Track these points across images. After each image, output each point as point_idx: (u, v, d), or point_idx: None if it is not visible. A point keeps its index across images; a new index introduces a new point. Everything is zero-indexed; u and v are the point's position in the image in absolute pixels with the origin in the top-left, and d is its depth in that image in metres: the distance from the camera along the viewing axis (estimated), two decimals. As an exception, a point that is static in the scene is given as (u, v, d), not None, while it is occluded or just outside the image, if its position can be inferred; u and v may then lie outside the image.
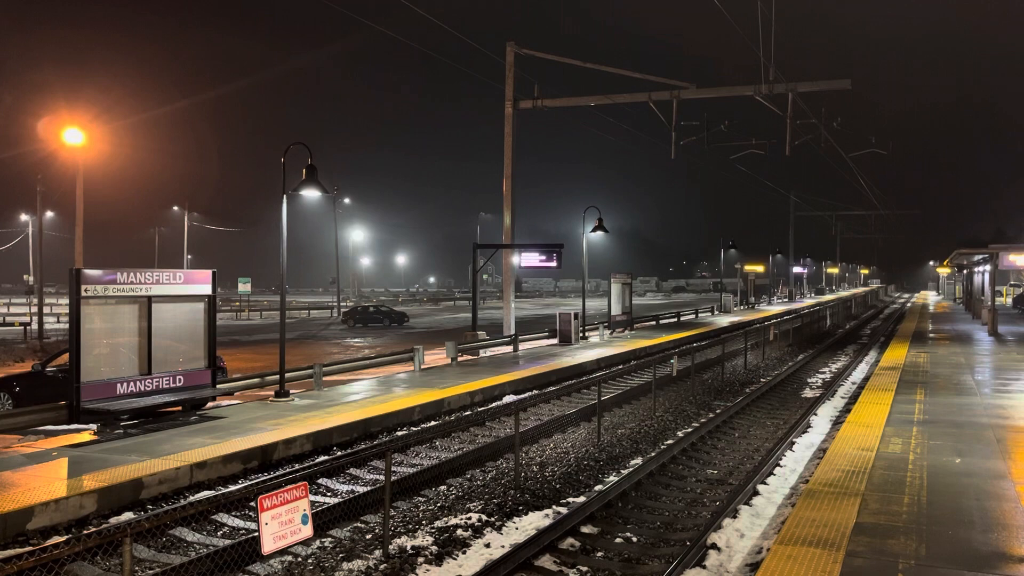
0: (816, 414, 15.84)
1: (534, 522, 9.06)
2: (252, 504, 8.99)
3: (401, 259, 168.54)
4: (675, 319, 41.44)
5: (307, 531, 6.77)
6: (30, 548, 7.94)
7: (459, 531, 8.70)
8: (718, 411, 16.07)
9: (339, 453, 12.40)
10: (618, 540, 8.62)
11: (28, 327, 39.30)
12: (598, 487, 10.50)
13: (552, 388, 17.15)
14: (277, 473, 10.84)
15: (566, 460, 11.96)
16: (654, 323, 39.02)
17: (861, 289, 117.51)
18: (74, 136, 26.39)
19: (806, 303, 65.59)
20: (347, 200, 79.94)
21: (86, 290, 12.57)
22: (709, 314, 50.24)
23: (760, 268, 79.18)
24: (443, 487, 10.65)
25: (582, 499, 9.89)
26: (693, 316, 46.91)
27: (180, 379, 13.96)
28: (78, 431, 12.56)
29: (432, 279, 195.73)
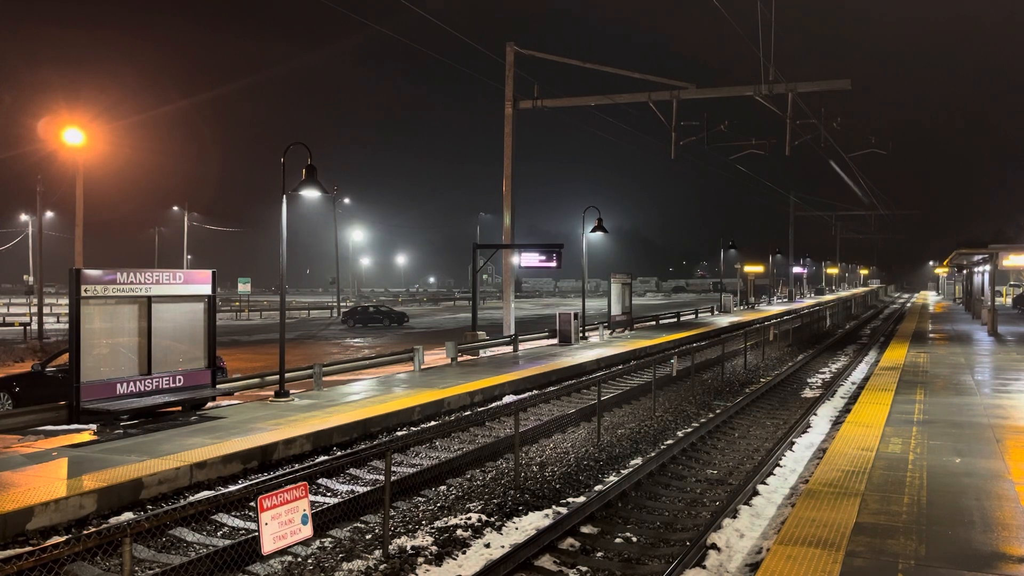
0: (816, 414, 15.84)
1: (534, 522, 9.06)
2: (252, 504, 8.99)
3: (401, 259, 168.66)
4: (675, 319, 41.44)
5: (307, 531, 6.77)
6: (30, 548, 7.94)
7: (459, 531, 8.70)
8: (718, 411, 16.07)
9: (339, 453, 12.40)
10: (618, 540, 8.62)
11: (28, 327, 39.30)
12: (598, 487, 10.50)
13: (552, 388, 17.13)
14: (277, 473, 10.84)
15: (566, 460, 11.96)
16: (654, 323, 39.02)
17: (861, 289, 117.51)
18: (74, 136, 26.40)
19: (806, 303, 65.59)
20: (347, 200, 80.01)
21: (86, 290, 12.56)
22: (709, 314, 50.24)
23: (760, 268, 79.13)
24: (443, 487, 10.65)
25: (582, 499, 9.89)
26: (693, 316, 46.91)
27: (180, 379, 13.96)
28: (78, 431, 12.57)
29: (432, 279, 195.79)
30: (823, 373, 23.37)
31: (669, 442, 13.21)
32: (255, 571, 7.77)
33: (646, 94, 28.15)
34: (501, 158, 29.13)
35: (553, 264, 27.42)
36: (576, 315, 28.46)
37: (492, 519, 9.15)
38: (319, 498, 10.08)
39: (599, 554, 8.24)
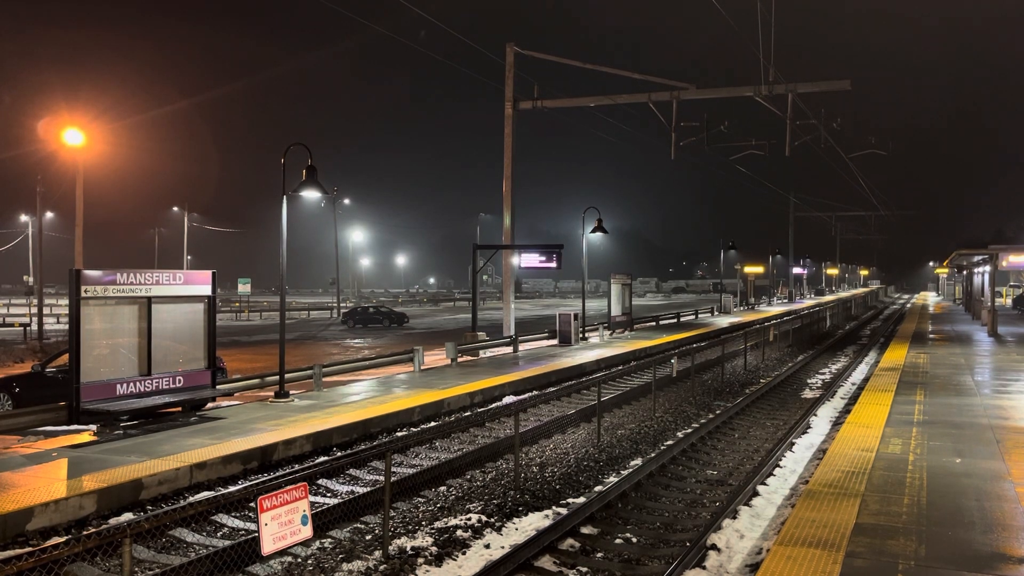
0: (816, 415, 15.84)
1: (534, 523, 9.05)
2: (252, 505, 8.98)
3: (401, 259, 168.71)
4: (675, 320, 41.44)
5: (307, 532, 6.77)
6: (30, 549, 7.93)
7: (459, 532, 8.69)
8: (718, 412, 16.06)
9: (339, 454, 12.40)
10: (618, 541, 8.62)
11: (28, 328, 39.29)
12: (598, 488, 10.50)
13: (552, 389, 17.14)
14: (277, 474, 10.84)
15: (566, 461, 11.96)
16: (654, 324, 39.02)
17: (861, 290, 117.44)
18: (74, 136, 26.41)
19: (806, 304, 65.58)
20: (347, 201, 79.91)
21: (86, 291, 12.56)
22: (709, 315, 50.24)
23: (760, 269, 79.09)
24: (443, 488, 10.65)
25: (582, 500, 9.89)
26: (693, 317, 46.90)
27: (180, 380, 13.96)
28: (78, 432, 12.56)
29: (432, 279, 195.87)
30: (823, 374, 23.37)
31: (669, 443, 13.21)
32: (255, 572, 7.77)
33: (646, 95, 28.15)
34: (501, 158, 29.14)
35: (553, 265, 27.43)
36: (576, 316, 28.45)
37: (492, 520, 9.15)
38: (319, 499, 10.08)
39: (599, 555, 8.24)
